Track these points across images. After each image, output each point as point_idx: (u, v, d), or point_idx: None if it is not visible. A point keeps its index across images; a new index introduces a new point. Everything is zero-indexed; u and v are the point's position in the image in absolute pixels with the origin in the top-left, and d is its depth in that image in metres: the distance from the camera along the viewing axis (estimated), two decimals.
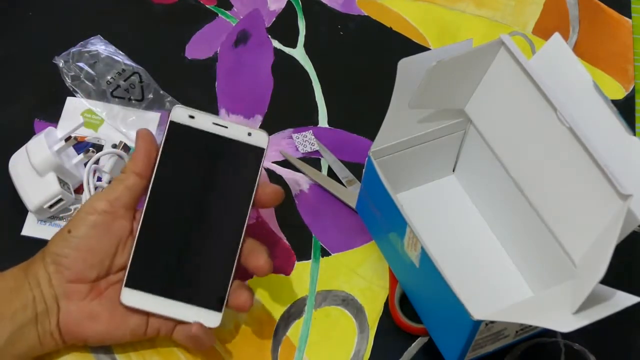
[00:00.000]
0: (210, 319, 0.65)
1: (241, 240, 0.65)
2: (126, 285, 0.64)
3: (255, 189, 0.65)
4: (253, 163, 0.66)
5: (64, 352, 0.66)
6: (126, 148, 0.75)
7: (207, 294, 0.65)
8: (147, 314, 0.65)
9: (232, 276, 0.65)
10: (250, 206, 0.65)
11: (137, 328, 0.65)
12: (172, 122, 0.66)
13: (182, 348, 0.68)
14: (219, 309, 0.65)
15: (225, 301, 0.65)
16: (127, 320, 0.65)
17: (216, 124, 0.66)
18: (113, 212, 0.64)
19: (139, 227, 0.65)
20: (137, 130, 0.66)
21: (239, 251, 0.65)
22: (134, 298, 0.64)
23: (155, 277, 0.65)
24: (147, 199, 0.65)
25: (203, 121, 0.66)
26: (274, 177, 0.77)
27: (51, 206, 0.71)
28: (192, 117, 0.66)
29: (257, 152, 0.66)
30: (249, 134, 0.66)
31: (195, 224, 0.65)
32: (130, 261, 0.64)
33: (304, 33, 0.86)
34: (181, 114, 0.66)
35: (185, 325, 0.64)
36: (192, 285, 0.65)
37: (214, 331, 0.65)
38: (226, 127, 0.66)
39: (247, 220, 0.65)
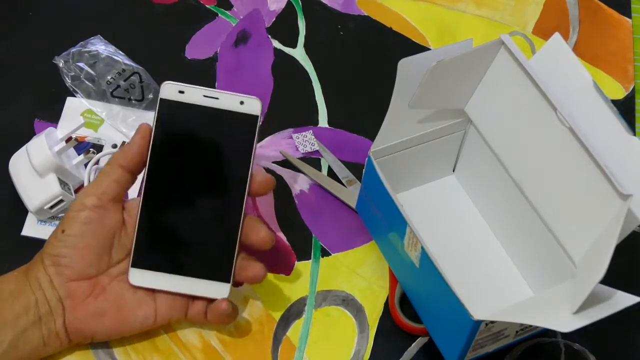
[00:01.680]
0: (219, 290, 0.65)
1: (243, 209, 0.65)
2: (133, 266, 0.65)
3: (252, 157, 0.65)
4: (248, 132, 0.65)
5: (64, 350, 0.66)
6: None
7: (214, 266, 0.65)
8: (155, 292, 0.65)
9: (237, 246, 0.65)
10: (250, 175, 0.65)
11: (146, 319, 0.65)
12: (162, 100, 0.65)
13: (199, 327, 0.69)
14: (226, 280, 0.65)
15: (233, 271, 0.65)
16: (134, 312, 0.65)
17: (207, 97, 0.65)
18: (102, 206, 0.64)
19: (139, 206, 0.65)
20: (140, 124, 0.66)
21: (242, 220, 0.65)
22: (141, 278, 0.65)
23: (161, 255, 0.65)
24: (144, 179, 0.65)
25: (193, 95, 0.65)
26: (273, 177, 0.77)
27: (52, 207, 0.71)
28: (181, 92, 0.65)
29: (251, 120, 0.65)
30: (241, 103, 0.65)
31: (195, 198, 0.65)
32: (134, 241, 0.65)
33: (304, 33, 0.86)
34: (171, 90, 0.65)
35: (201, 306, 0.65)
36: (198, 259, 0.65)
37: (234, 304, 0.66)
38: (217, 99, 0.65)
39: (247, 190, 0.65)
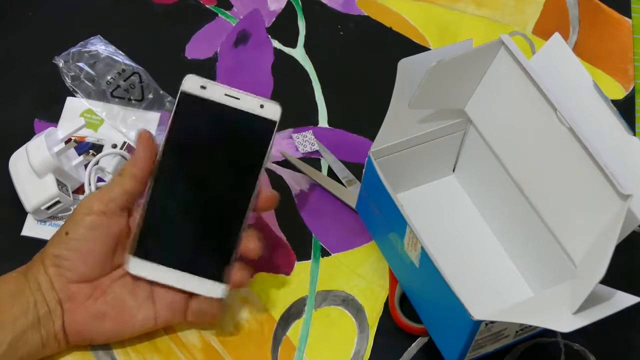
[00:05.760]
0: (215, 289, 0.64)
1: (247, 213, 0.65)
2: (133, 254, 0.64)
3: (264, 162, 0.65)
4: (264, 136, 0.65)
5: (64, 351, 0.66)
6: (130, 148, 0.75)
7: (212, 265, 0.65)
8: (154, 295, 0.65)
9: (237, 247, 0.65)
10: (258, 180, 0.65)
11: (146, 322, 0.65)
12: (182, 92, 0.65)
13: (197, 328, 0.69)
14: (223, 280, 0.64)
15: (228, 272, 0.64)
16: (134, 315, 0.65)
17: (228, 95, 0.65)
18: (109, 212, 0.64)
19: (148, 197, 0.65)
20: (139, 131, 0.66)
21: (244, 223, 0.65)
22: (140, 267, 0.64)
23: (162, 247, 0.65)
24: (156, 169, 0.65)
25: (215, 92, 0.65)
26: (274, 177, 0.77)
27: (49, 208, 0.71)
28: (203, 87, 0.65)
29: (269, 125, 0.65)
30: (262, 106, 0.65)
31: (202, 195, 0.65)
32: (137, 230, 0.64)
33: (304, 33, 0.86)
34: (193, 83, 0.65)
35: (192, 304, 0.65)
36: (197, 256, 0.65)
37: (222, 303, 0.65)
38: (238, 99, 0.65)
39: (254, 194, 0.65)
